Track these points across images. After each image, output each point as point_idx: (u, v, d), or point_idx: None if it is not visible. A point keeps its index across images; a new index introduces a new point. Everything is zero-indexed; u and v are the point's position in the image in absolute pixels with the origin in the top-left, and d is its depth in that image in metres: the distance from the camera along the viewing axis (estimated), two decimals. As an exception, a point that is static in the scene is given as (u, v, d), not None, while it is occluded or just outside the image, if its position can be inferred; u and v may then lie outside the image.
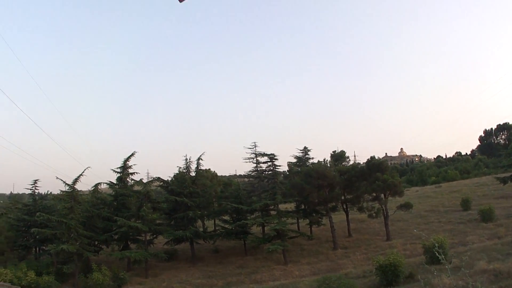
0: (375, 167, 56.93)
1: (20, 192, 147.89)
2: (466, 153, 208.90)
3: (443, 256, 10.81)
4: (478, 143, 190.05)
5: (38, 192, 63.47)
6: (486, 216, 52.61)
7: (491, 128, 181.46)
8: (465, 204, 63.45)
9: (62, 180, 51.42)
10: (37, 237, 55.29)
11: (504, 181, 73.67)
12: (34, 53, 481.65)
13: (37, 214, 50.55)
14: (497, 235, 43.37)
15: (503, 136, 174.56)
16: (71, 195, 49.67)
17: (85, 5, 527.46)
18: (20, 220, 59.80)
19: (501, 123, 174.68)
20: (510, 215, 53.37)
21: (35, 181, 60.56)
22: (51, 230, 48.85)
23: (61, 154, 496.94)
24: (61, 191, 52.69)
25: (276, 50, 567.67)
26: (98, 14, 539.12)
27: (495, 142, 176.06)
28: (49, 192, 74.08)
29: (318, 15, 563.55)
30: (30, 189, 60.94)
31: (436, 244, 17.28)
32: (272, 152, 57.76)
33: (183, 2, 10.69)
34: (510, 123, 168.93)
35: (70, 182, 50.65)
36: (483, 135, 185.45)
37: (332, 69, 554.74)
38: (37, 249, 60.31)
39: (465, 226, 52.63)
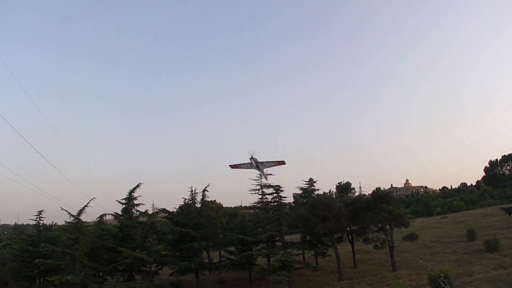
0: (381, 198, 57.06)
1: (25, 223, 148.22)
2: (472, 184, 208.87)
3: (448, 287, 10.98)
4: (484, 174, 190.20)
5: (43, 223, 63.14)
6: (492, 246, 52.68)
7: (496, 159, 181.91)
8: (471, 235, 63.57)
9: (67, 211, 51.46)
10: (42, 268, 55.03)
11: (509, 211, 73.90)
12: (39, 82, 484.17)
13: (42, 245, 50.42)
14: (503, 266, 43.43)
15: (508, 167, 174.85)
16: (76, 226, 49.64)
17: (87, 32, 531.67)
18: (25, 251, 59.45)
19: (506, 154, 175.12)
20: (515, 246, 53.35)
21: (40, 212, 60.34)
22: (55, 261, 48.69)
23: (66, 185, 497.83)
24: (66, 222, 52.78)
25: (281, 81, 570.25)
26: (100, 42, 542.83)
27: (500, 173, 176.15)
28: (54, 223, 73.81)
29: (323, 47, 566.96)
30: (35, 220, 60.65)
31: (442, 275, 17.42)
32: (277, 184, 57.96)
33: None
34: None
35: (75, 213, 50.69)
36: (488, 166, 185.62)
37: (338, 101, 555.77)
38: (41, 280, 59.77)
39: (471, 256, 52.59)
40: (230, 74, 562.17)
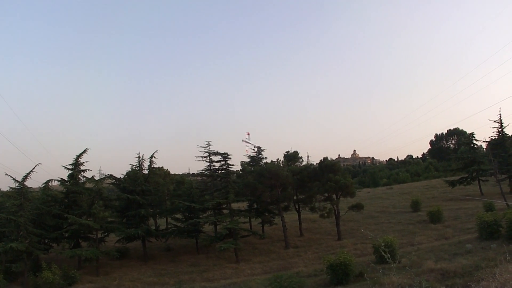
0: (328, 168, 57.46)
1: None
2: (417, 157, 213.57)
3: (388, 255, 11.18)
4: (429, 147, 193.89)
5: (-14, 189, 61.93)
6: (435, 217, 54.01)
7: (442, 133, 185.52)
8: (415, 206, 64.96)
9: (11, 177, 50.10)
10: (-16, 235, 54.11)
11: (452, 184, 75.95)
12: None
13: (-15, 211, 49.32)
14: (445, 236, 44.56)
15: (453, 141, 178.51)
16: (21, 192, 48.41)
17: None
18: (-33, 218, 58.29)
19: (452, 128, 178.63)
20: (457, 217, 54.82)
21: (-17, 177, 59.25)
22: (-1, 228, 47.83)
23: (11, 150, 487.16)
24: (11, 188, 51.50)
25: (233, 50, 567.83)
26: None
27: (445, 146, 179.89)
28: (-2, 189, 72.48)
29: (283, 25, 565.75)
30: (-22, 186, 59.52)
31: (383, 244, 17.80)
32: (225, 151, 57.72)
33: None
34: (460, 128, 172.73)
35: (20, 178, 49.56)
36: (434, 139, 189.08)
37: (288, 72, 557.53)
38: (-16, 247, 58.90)
39: (414, 227, 53.81)
40: (177, 37, 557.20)
